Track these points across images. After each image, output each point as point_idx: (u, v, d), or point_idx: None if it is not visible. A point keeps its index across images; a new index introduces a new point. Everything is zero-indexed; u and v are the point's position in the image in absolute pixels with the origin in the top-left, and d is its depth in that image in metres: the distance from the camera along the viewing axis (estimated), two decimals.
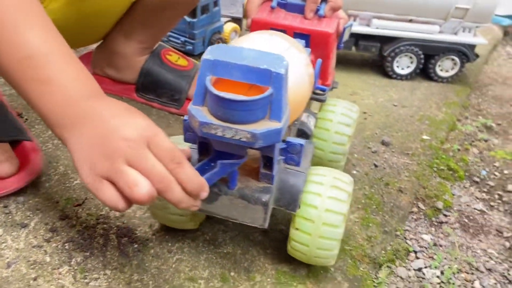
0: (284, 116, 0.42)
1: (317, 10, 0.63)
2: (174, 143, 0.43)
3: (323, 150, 0.67)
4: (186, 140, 0.50)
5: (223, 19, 1.15)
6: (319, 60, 0.59)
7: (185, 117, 0.47)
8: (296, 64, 0.49)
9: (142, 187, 0.41)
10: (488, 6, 1.03)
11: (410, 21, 1.07)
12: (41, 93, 0.45)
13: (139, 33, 0.82)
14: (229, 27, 1.16)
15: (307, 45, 0.61)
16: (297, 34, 0.62)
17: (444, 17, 1.05)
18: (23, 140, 0.67)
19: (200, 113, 0.41)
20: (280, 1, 0.64)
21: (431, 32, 1.07)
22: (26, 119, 0.80)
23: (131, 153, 0.41)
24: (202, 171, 0.46)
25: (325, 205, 0.51)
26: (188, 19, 1.02)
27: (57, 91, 0.45)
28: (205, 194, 0.45)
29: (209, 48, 0.41)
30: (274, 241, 0.63)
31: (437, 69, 1.13)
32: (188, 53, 1.09)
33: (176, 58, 0.87)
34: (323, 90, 0.63)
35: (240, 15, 1.22)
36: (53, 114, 0.45)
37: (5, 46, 0.44)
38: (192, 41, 1.05)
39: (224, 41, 1.15)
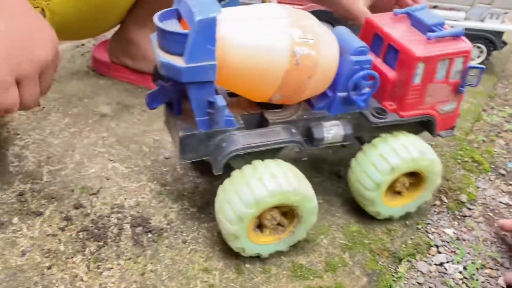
0: (193, 60, 0.45)
1: (432, 30, 0.58)
2: None
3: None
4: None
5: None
6: (372, 71, 0.55)
7: None
8: (272, 33, 0.49)
9: None
10: None
11: (435, 7, 1.03)
12: None
13: (151, 22, 0.80)
14: None
15: (394, 61, 0.59)
16: (391, 46, 0.59)
17: (470, 3, 1.00)
18: None
19: (154, 44, 0.50)
20: (410, 12, 0.61)
21: (457, 19, 1.03)
22: (44, 107, 0.80)
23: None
24: (159, 91, 0.55)
25: None
26: None
27: None
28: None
29: None
30: None
31: None
32: None
33: None
34: (382, 113, 0.59)
35: (258, 2, 1.20)
36: None
37: None
38: None
39: None
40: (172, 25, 0.48)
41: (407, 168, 0.59)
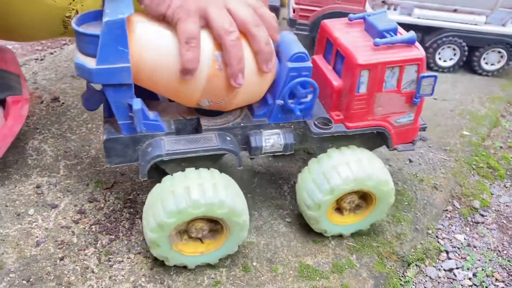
0: (104, 61, 0.45)
1: (382, 36, 0.55)
2: None
3: None
4: None
5: None
6: (310, 80, 0.52)
7: None
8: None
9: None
10: None
11: (455, 11, 1.02)
12: None
13: None
14: None
15: (341, 67, 0.56)
16: (339, 53, 0.56)
17: (491, 7, 0.99)
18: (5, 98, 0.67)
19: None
20: (365, 17, 0.58)
21: (477, 23, 1.01)
22: (63, 103, 0.82)
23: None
24: None
25: None
26: None
27: None
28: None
29: None
30: (299, 232, 0.61)
31: (482, 62, 1.07)
32: None
33: None
34: (326, 124, 0.56)
35: (277, 4, 1.20)
36: None
37: None
38: None
39: None
40: (93, 27, 0.47)
41: (349, 188, 0.55)
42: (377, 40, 0.53)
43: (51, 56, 0.98)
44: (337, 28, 0.58)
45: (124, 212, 0.62)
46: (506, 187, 0.77)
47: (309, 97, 0.54)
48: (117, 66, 0.45)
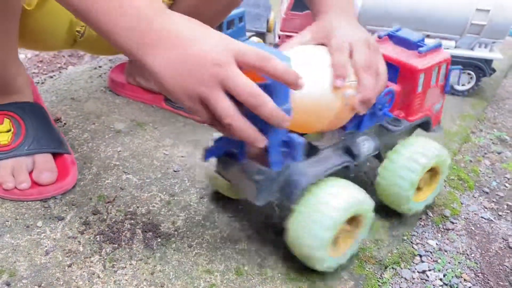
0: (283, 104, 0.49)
1: (419, 46, 0.68)
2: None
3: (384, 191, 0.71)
4: None
5: (248, 34, 1.22)
6: (390, 88, 0.64)
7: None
8: (319, 78, 0.57)
9: (233, 120, 0.46)
10: (504, 23, 1.05)
11: (428, 36, 1.10)
12: (116, 17, 0.46)
13: None
14: (253, 41, 1.22)
15: (394, 77, 0.69)
16: (388, 64, 0.65)
17: (460, 33, 1.08)
18: (64, 153, 0.74)
19: None
20: (391, 33, 0.71)
21: (448, 47, 1.10)
22: (65, 123, 0.88)
23: (224, 76, 0.45)
24: (223, 138, 0.58)
25: None
26: None
27: (129, 11, 0.46)
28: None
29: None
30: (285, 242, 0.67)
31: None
32: None
33: None
34: (397, 122, 0.69)
35: (264, 30, 1.28)
36: (130, 37, 0.46)
37: None
38: None
39: None
40: None
41: (431, 164, 0.68)
42: (421, 49, 0.68)
43: (51, 80, 1.04)
44: None
45: (125, 223, 0.67)
46: (475, 197, 0.85)
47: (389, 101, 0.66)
48: (284, 107, 0.50)
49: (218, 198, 0.73)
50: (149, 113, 0.95)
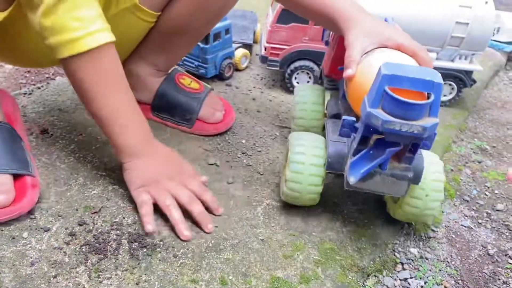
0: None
1: None
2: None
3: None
4: (340, 134, 0.64)
5: (235, 45, 1.23)
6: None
7: (344, 117, 0.62)
8: None
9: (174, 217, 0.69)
10: (483, 36, 1.08)
11: None
12: (119, 134, 0.70)
13: (153, 56, 0.90)
14: (239, 52, 1.24)
15: None
16: None
17: (440, 45, 1.11)
18: (25, 175, 0.70)
19: (381, 114, 0.55)
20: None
21: None
22: (52, 134, 0.88)
23: (174, 187, 0.71)
24: (365, 157, 0.61)
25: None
26: (201, 45, 1.11)
27: (131, 134, 0.71)
28: (221, 210, 0.74)
29: (383, 65, 0.55)
30: (271, 249, 0.68)
31: None
32: (200, 76, 1.17)
33: (189, 82, 0.95)
34: None
35: (250, 42, 1.30)
36: (125, 150, 0.71)
37: (101, 98, 0.69)
38: (204, 65, 1.13)
39: (235, 66, 1.23)
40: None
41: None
42: None
43: (39, 91, 1.04)
44: None
45: (111, 233, 0.68)
46: (455, 206, 0.87)
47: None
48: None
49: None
50: None
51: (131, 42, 0.87)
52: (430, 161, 0.70)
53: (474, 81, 1.18)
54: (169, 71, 0.95)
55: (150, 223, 0.68)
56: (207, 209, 0.73)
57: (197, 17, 0.83)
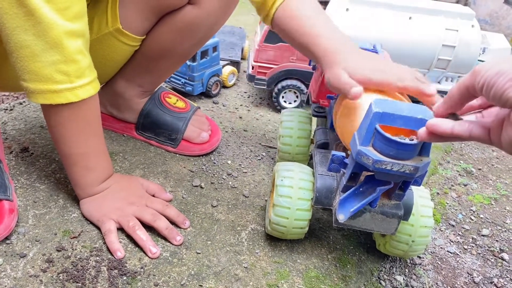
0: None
1: (375, 52, 0.71)
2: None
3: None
4: (329, 169, 0.62)
5: (222, 62, 1.23)
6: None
7: (333, 152, 0.61)
8: None
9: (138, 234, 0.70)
10: (469, 58, 1.09)
11: None
12: (84, 175, 0.72)
13: (139, 78, 0.89)
14: (227, 70, 1.23)
15: None
16: None
17: (428, 67, 1.11)
18: (2, 199, 0.68)
19: (371, 153, 0.53)
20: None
21: None
22: (32, 153, 0.86)
23: (136, 210, 0.72)
24: (354, 194, 0.60)
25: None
26: (188, 62, 1.10)
27: (93, 177, 0.72)
28: (187, 223, 0.74)
29: (374, 102, 0.53)
30: (255, 276, 0.67)
31: None
32: (187, 94, 1.16)
33: (174, 101, 0.94)
34: None
35: (238, 59, 1.30)
36: (86, 188, 0.72)
37: (73, 144, 0.69)
38: (191, 83, 1.12)
39: (222, 83, 1.22)
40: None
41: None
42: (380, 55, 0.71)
43: (20, 107, 1.02)
44: None
45: (90, 260, 0.66)
46: (442, 231, 0.86)
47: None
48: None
49: (186, 233, 0.73)
50: (120, 143, 0.94)
51: (115, 65, 0.86)
52: (419, 195, 0.69)
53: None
54: (154, 90, 0.94)
55: (119, 249, 0.67)
56: (174, 224, 0.74)
57: (182, 42, 0.82)
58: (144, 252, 0.68)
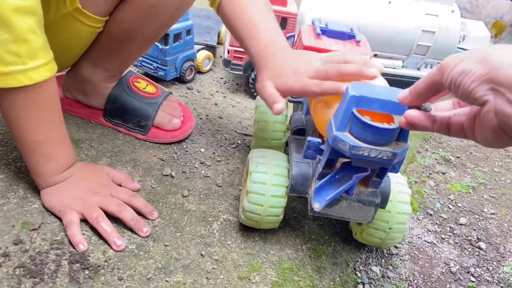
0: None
1: (353, 36, 0.71)
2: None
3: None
4: (305, 156, 0.60)
5: (197, 47, 1.18)
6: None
7: (309, 138, 0.58)
8: None
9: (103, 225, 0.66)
10: (449, 44, 1.07)
11: (375, 55, 1.11)
12: (43, 164, 0.67)
13: (104, 62, 0.84)
14: (202, 54, 1.19)
15: None
16: None
17: (407, 53, 1.09)
18: None
19: (348, 138, 0.51)
20: (322, 28, 0.71)
21: (395, 67, 1.11)
22: None
23: (100, 200, 0.68)
24: (330, 182, 0.57)
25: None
26: (160, 46, 1.05)
27: (54, 165, 0.68)
28: (156, 214, 0.71)
29: (351, 85, 0.50)
30: (225, 269, 0.64)
31: None
32: (160, 79, 1.11)
33: (144, 85, 0.89)
34: None
35: (214, 43, 1.25)
36: (46, 177, 0.68)
37: (30, 130, 0.64)
38: (164, 67, 1.08)
39: (197, 68, 1.18)
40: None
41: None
42: (357, 38, 0.71)
43: None
44: (322, 43, 0.70)
45: (50, 253, 0.62)
46: (419, 220, 0.84)
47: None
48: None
49: (154, 224, 0.69)
50: (86, 130, 0.89)
51: (78, 48, 0.81)
52: (396, 181, 0.67)
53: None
54: (123, 74, 0.89)
55: (82, 242, 0.63)
56: (142, 215, 0.70)
57: (146, 23, 0.78)
58: (109, 245, 0.65)
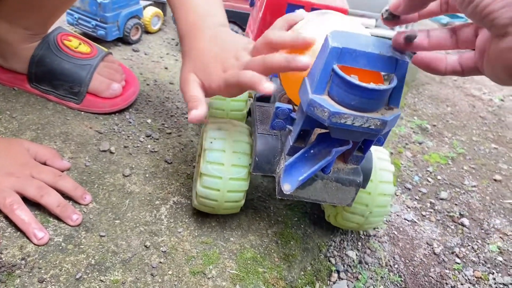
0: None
1: None
2: None
3: None
4: (272, 127, 0.48)
5: (144, 3, 1.03)
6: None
7: (277, 104, 0.47)
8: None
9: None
10: None
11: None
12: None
13: (23, 18, 0.69)
14: (150, 11, 1.04)
15: None
16: (314, 9, 0.58)
17: (380, 11, 0.99)
18: None
19: (327, 103, 0.40)
20: None
21: (368, 26, 1.00)
22: None
23: (16, 181, 0.55)
24: (303, 158, 0.46)
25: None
26: (99, 0, 0.90)
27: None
28: (88, 198, 0.58)
29: (331, 34, 0.40)
30: (175, 264, 0.53)
31: None
32: (100, 40, 0.96)
33: (76, 44, 0.75)
34: None
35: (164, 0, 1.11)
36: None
37: None
38: (104, 25, 0.92)
39: (143, 27, 1.03)
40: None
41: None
42: None
43: None
44: None
45: None
46: (397, 195, 0.76)
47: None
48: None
49: (88, 210, 0.57)
50: (8, 98, 0.74)
51: None
52: (377, 157, 0.57)
53: (414, 53, 1.07)
54: (49, 32, 0.74)
55: None
56: (71, 200, 0.58)
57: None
58: (28, 238, 0.52)
